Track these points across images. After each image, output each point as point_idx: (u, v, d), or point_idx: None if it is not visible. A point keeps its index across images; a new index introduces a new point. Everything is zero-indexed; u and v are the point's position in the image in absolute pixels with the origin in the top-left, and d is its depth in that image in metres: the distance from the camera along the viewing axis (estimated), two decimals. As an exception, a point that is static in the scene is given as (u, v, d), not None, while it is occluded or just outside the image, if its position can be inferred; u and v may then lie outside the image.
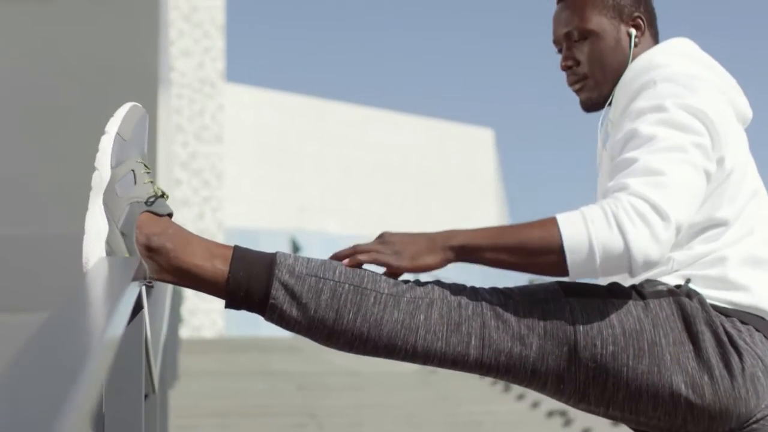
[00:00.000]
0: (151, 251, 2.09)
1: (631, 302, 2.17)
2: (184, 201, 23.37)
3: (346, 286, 2.12)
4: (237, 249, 2.13)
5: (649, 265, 2.11)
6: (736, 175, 2.28)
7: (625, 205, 2.10)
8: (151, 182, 2.14)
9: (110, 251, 2.06)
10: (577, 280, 2.21)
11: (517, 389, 8.99)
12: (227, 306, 2.15)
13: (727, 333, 2.17)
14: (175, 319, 8.55)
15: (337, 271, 2.13)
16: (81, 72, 6.11)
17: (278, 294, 2.11)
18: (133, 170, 2.11)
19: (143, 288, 2.04)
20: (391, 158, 30.57)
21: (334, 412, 8.06)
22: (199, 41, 24.53)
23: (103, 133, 2.12)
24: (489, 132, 34.19)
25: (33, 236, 6.05)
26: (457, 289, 2.17)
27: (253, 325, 25.19)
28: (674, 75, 2.31)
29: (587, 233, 2.09)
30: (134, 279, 1.91)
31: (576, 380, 2.15)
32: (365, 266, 2.17)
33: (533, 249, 2.12)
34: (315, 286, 2.11)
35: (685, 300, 2.17)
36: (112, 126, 2.12)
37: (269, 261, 2.13)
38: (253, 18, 44.92)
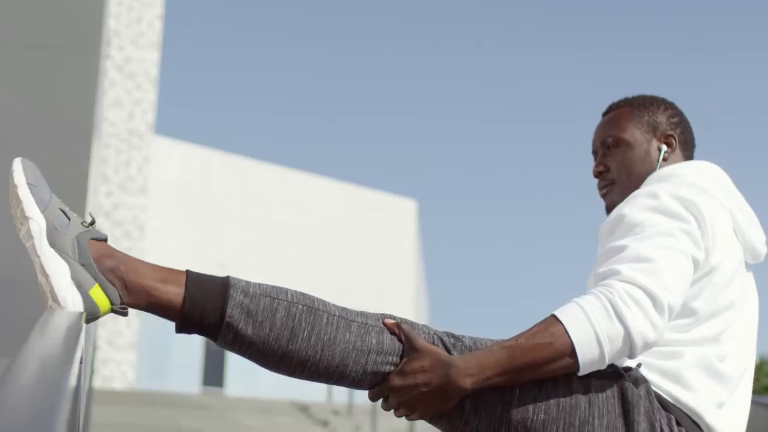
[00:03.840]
0: (107, 273, 2.09)
1: (574, 377, 2.17)
2: (103, 250, 23.12)
3: (300, 306, 2.14)
4: (190, 272, 2.14)
5: (648, 347, 2.14)
6: (720, 277, 2.33)
7: (620, 293, 2.13)
8: (76, 215, 2.14)
9: (79, 285, 2.05)
10: None
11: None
12: (179, 330, 2.14)
13: (662, 430, 2.18)
14: (91, 368, 8.48)
15: (289, 293, 2.15)
16: (16, 115, 6.10)
17: (234, 313, 2.11)
18: (60, 209, 2.10)
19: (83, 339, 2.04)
20: (314, 222, 30.60)
21: (242, 473, 8.02)
22: (131, 92, 24.49)
23: (12, 188, 2.09)
24: (412, 203, 34.40)
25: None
26: (409, 323, 2.21)
27: (162, 379, 24.95)
28: (683, 183, 2.39)
29: (593, 329, 2.11)
30: (86, 322, 1.94)
31: None
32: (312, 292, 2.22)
33: (544, 361, 2.12)
34: (270, 305, 2.12)
35: (629, 386, 2.18)
36: (20, 177, 2.09)
37: (223, 283, 2.14)
38: (186, 73, 44.96)
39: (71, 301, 2.05)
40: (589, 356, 2.11)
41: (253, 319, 2.11)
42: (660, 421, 2.18)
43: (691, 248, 2.26)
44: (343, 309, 2.18)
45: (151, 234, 25.06)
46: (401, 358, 2.16)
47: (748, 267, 2.48)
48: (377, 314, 2.21)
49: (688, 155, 2.62)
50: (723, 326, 2.34)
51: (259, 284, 2.16)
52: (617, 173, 2.58)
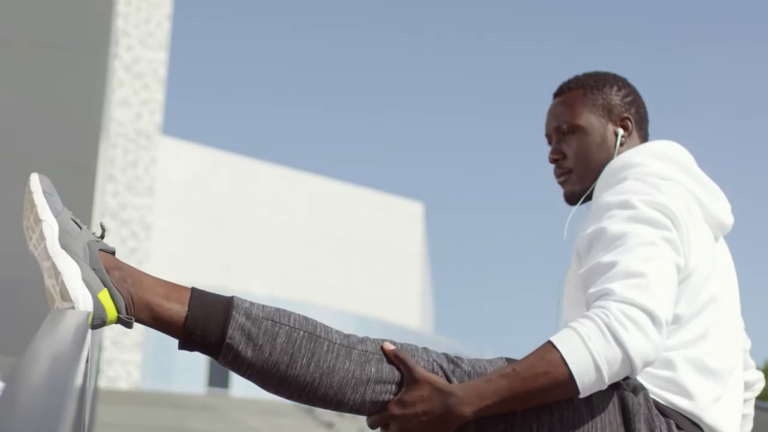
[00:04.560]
0: (117, 283, 2.10)
1: None
2: (110, 250, 23.15)
3: (301, 332, 2.13)
4: (195, 290, 2.14)
5: (648, 365, 2.12)
6: (697, 277, 2.31)
7: (616, 314, 2.10)
8: (87, 227, 2.16)
9: (89, 286, 2.06)
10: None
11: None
12: (181, 347, 2.14)
13: None
14: (96, 368, 8.49)
15: (291, 318, 2.15)
16: (24, 115, 6.12)
17: (235, 334, 2.10)
18: (72, 219, 2.12)
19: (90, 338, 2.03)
20: (319, 224, 30.61)
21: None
22: (138, 92, 24.52)
23: (27, 193, 2.13)
24: (418, 205, 34.40)
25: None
26: (409, 348, 2.19)
27: (167, 380, 24.97)
28: (645, 174, 2.35)
29: (590, 354, 2.08)
30: (92, 327, 1.95)
31: None
32: (316, 317, 2.19)
33: (543, 389, 2.10)
34: (271, 329, 2.12)
35: (629, 395, 2.18)
36: (36, 185, 2.12)
37: (226, 303, 2.13)
38: (194, 73, 45.04)
39: (82, 299, 2.05)
40: (588, 381, 2.09)
41: (254, 343, 2.11)
42: (660, 427, 2.18)
43: (673, 255, 2.24)
44: (346, 336, 2.17)
45: (158, 234, 25.10)
46: (400, 386, 2.15)
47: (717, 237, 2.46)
48: (378, 340, 2.20)
49: (644, 135, 2.57)
50: (708, 322, 2.33)
51: (263, 306, 2.16)
52: (574, 161, 2.52)
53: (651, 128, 2.61)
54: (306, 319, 2.17)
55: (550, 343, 2.11)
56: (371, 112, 51.71)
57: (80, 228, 2.13)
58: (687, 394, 2.26)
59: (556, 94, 2.61)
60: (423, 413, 2.12)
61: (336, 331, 2.17)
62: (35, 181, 2.13)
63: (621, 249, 2.21)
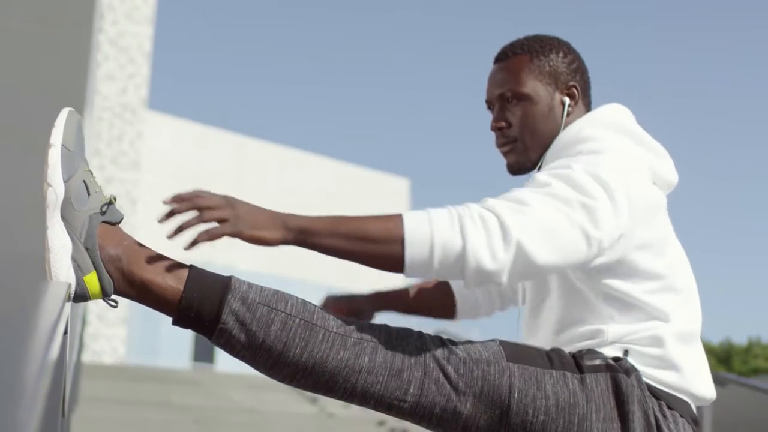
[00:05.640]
0: (108, 263, 2.05)
1: (569, 375, 2.17)
2: (95, 225, 23.11)
3: (297, 320, 2.10)
4: (193, 269, 2.11)
5: (482, 275, 2.09)
6: (663, 244, 2.29)
7: (473, 213, 2.09)
8: (101, 188, 2.10)
9: (77, 267, 2.02)
10: (519, 344, 2.22)
11: (412, 439, 9.06)
12: (174, 323, 2.12)
13: (655, 416, 2.19)
14: (79, 342, 8.50)
15: (289, 303, 2.12)
16: (7, 88, 6.09)
17: (228, 319, 2.08)
18: (84, 181, 2.05)
19: (69, 310, 2.01)
20: (306, 200, 30.57)
21: (230, 449, 8.05)
22: (124, 67, 24.41)
23: (47, 146, 2.03)
24: (405, 181, 34.38)
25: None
26: (404, 335, 2.17)
27: (152, 355, 24.98)
28: (597, 149, 2.28)
29: (430, 230, 2.07)
30: (73, 300, 1.93)
31: None
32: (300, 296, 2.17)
33: (373, 238, 2.08)
34: (266, 316, 2.09)
35: (622, 377, 2.17)
36: (57, 137, 2.03)
37: (224, 285, 2.10)
38: (180, 48, 44.80)
39: (64, 280, 2.01)
40: (417, 254, 2.07)
41: (247, 328, 2.09)
42: (653, 408, 2.19)
43: (587, 224, 2.15)
44: (341, 324, 2.14)
45: (143, 209, 25.04)
46: (391, 376, 2.13)
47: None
48: (375, 325, 2.18)
49: (588, 102, 2.49)
50: (689, 284, 2.34)
51: (261, 289, 2.13)
52: (519, 131, 2.43)
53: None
54: (304, 304, 2.15)
55: (400, 213, 2.11)
56: (357, 89, 51.61)
57: (89, 194, 2.06)
58: (675, 368, 2.26)
59: (498, 59, 2.50)
60: (248, 207, 2.09)
61: (334, 318, 2.15)
62: (59, 129, 2.04)
63: (531, 190, 2.18)
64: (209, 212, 2.07)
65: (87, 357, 20.25)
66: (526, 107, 2.43)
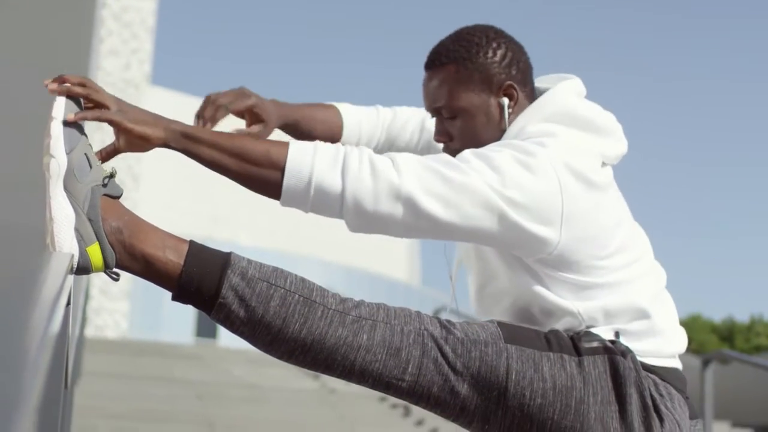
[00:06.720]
0: (110, 235, 2.05)
1: (566, 357, 2.16)
2: (98, 200, 23.16)
3: (296, 296, 2.10)
4: (193, 244, 2.11)
5: (362, 215, 2.11)
6: (614, 227, 2.25)
7: (362, 155, 2.11)
8: (102, 162, 2.10)
9: (80, 238, 2.01)
10: (517, 326, 2.21)
11: (416, 415, 9.09)
12: (174, 298, 2.12)
13: (652, 397, 2.19)
14: (83, 316, 8.52)
15: (288, 280, 2.11)
16: (8, 63, 6.09)
17: (228, 294, 2.08)
18: (86, 154, 2.04)
19: (72, 282, 1.98)
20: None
21: (231, 423, 8.08)
22: (127, 42, 24.40)
23: (48, 119, 2.02)
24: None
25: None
26: (402, 314, 2.17)
27: (155, 329, 25.04)
28: (541, 144, 2.22)
29: (311, 162, 2.09)
30: (75, 273, 1.92)
31: (501, 425, 2.16)
32: (308, 277, 2.15)
33: (254, 159, 2.11)
34: (266, 291, 2.09)
35: (620, 359, 2.17)
36: (58, 110, 2.03)
37: (224, 260, 2.10)
38: (183, 23, 44.69)
39: (68, 251, 2.00)
40: (293, 184, 2.10)
41: (246, 304, 2.08)
42: (649, 389, 2.20)
43: (495, 198, 2.12)
44: (342, 301, 2.14)
45: (146, 185, 25.07)
46: (388, 353, 2.12)
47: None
48: (374, 304, 2.17)
49: (530, 89, 2.39)
50: (646, 248, 2.34)
51: (261, 266, 2.13)
52: (462, 144, 2.35)
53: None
54: (303, 281, 2.14)
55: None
56: (359, 67, 51.55)
57: (90, 167, 2.05)
58: (660, 333, 2.28)
59: (427, 66, 2.41)
60: (136, 107, 2.13)
61: (333, 295, 2.14)
62: (60, 104, 2.04)
63: (446, 157, 2.17)
64: (96, 94, 2.07)
65: (90, 331, 20.31)
66: (464, 120, 2.36)
